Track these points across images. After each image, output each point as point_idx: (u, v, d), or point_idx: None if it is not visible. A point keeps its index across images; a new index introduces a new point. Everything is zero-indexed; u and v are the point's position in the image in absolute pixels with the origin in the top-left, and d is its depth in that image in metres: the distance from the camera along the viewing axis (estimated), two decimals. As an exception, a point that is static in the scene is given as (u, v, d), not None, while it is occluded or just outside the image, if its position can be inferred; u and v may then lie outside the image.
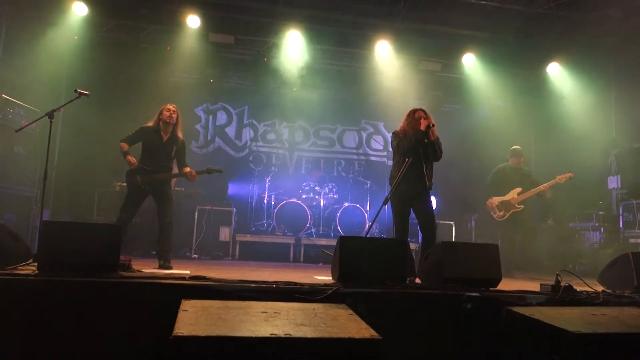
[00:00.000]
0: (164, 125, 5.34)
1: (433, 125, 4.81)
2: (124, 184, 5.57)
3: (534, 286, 4.17)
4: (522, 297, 3.66)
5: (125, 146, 5.28)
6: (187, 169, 5.39)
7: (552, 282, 3.83)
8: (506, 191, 6.68)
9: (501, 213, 6.53)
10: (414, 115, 4.94)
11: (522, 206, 6.49)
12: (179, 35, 8.23)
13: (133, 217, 5.32)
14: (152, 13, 8.00)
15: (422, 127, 4.76)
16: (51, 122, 4.68)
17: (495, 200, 6.62)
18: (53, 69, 7.62)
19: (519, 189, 6.56)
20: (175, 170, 5.55)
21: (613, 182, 8.23)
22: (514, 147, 6.93)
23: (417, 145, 4.79)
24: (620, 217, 7.80)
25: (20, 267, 3.53)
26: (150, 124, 5.38)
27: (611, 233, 7.83)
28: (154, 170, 5.27)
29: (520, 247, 6.55)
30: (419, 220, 4.96)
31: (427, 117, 4.88)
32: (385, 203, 4.71)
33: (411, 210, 4.96)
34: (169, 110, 5.35)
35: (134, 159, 5.25)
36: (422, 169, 4.83)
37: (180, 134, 5.43)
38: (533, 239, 6.77)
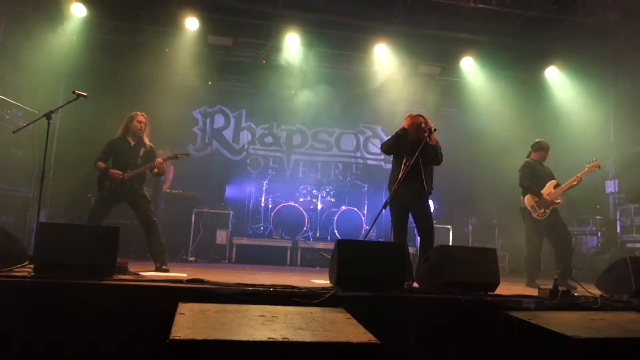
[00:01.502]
0: (132, 135, 5.41)
1: (434, 129, 4.81)
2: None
3: (532, 290, 4.17)
4: (520, 302, 3.65)
5: (102, 165, 5.33)
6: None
7: (550, 287, 3.83)
8: (540, 187, 5.96)
9: (541, 211, 5.81)
10: (414, 121, 4.94)
11: (561, 200, 5.86)
12: (177, 38, 8.20)
13: (102, 222, 5.26)
14: (151, 15, 7.97)
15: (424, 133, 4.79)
16: (49, 123, 4.66)
17: (530, 198, 5.91)
18: (51, 70, 7.58)
19: (554, 182, 5.94)
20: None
21: (610, 187, 8.24)
22: (539, 139, 6.22)
23: (416, 149, 4.78)
24: (618, 221, 7.81)
25: (16, 269, 3.51)
26: (118, 134, 5.44)
27: (608, 238, 7.83)
28: (123, 170, 5.29)
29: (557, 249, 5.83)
30: (417, 224, 4.97)
31: (426, 123, 4.88)
32: (385, 207, 4.70)
33: (409, 214, 4.95)
34: (140, 122, 5.40)
35: (116, 170, 5.27)
36: (421, 173, 4.81)
37: (146, 140, 5.48)
38: (569, 238, 5.97)
